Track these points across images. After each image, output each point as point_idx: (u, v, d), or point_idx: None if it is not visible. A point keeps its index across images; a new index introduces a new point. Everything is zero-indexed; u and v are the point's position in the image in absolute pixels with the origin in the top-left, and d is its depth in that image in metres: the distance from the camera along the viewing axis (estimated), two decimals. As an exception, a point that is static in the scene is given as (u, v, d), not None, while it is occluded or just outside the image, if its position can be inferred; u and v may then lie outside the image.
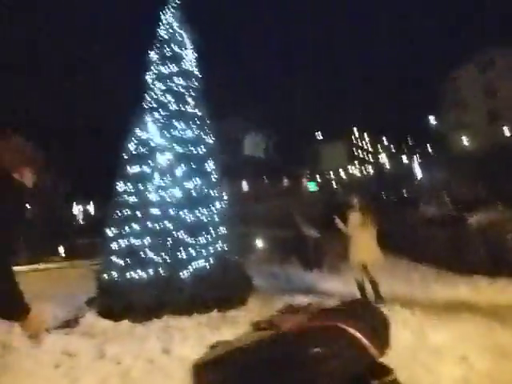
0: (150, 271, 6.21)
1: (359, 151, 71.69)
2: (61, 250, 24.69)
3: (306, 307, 1.10)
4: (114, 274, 6.40)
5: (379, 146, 72.93)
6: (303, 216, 13.74)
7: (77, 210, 46.74)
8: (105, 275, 6.56)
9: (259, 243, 14.60)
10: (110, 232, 6.75)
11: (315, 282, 9.55)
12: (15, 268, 1.97)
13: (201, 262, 6.50)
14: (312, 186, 50.03)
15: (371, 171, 57.46)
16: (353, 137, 70.94)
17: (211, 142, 7.48)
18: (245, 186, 41.21)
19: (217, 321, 5.57)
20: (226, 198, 7.57)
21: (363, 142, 74.38)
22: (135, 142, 6.83)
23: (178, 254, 6.39)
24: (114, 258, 6.53)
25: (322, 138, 66.89)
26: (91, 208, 47.41)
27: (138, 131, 6.83)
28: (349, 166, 61.42)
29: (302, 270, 11.16)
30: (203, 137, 7.31)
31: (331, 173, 58.17)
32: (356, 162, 65.26)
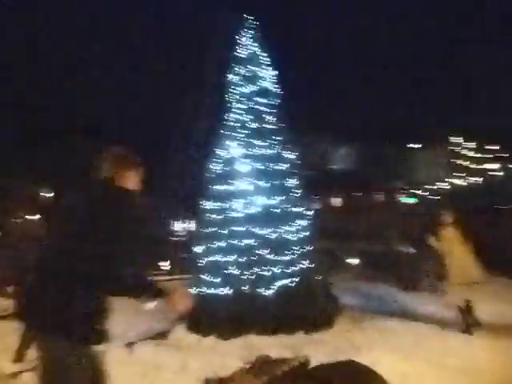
0: (235, 288, 6.30)
1: (458, 159, 66.00)
2: (162, 264, 26.34)
3: (277, 364, 0.91)
4: (202, 289, 6.61)
5: (481, 153, 66.37)
6: (397, 230, 13.00)
7: (177, 226, 49.82)
8: (193, 291, 6.80)
9: (349, 260, 14.07)
10: (197, 249, 7.04)
11: (410, 302, 8.83)
12: None
13: (285, 281, 6.44)
14: (410, 199, 47.53)
15: (474, 180, 52.55)
16: (451, 144, 65.69)
17: (293, 157, 7.45)
18: (333, 200, 40.39)
19: (301, 342, 5.40)
20: (310, 213, 7.45)
21: (464, 150, 68.37)
22: (218, 161, 7.08)
23: (262, 271, 6.41)
24: (200, 274, 6.76)
25: (418, 146, 63.05)
26: (190, 225, 50.17)
27: (220, 151, 7.08)
28: (448, 176, 56.94)
29: (396, 289, 10.44)
30: (285, 153, 7.31)
31: (429, 184, 54.47)
32: (456, 171, 60.23)
